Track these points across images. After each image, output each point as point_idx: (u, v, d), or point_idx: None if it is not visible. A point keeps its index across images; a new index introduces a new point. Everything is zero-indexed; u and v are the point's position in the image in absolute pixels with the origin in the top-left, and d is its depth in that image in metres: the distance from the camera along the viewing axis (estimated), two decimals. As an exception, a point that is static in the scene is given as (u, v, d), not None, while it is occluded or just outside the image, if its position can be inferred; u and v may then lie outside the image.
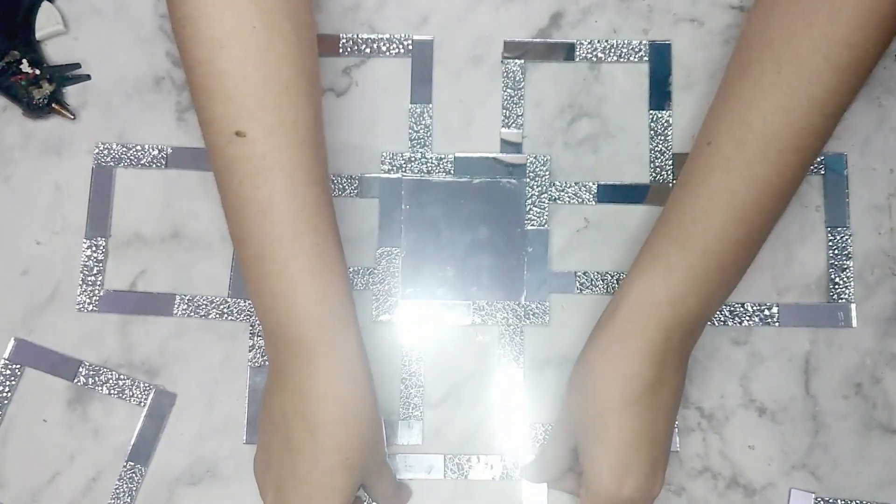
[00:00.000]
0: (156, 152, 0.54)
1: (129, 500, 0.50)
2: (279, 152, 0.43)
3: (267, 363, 0.52)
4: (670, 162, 0.54)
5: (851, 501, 0.50)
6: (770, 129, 0.43)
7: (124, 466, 0.51)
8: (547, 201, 0.53)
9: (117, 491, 0.51)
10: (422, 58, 0.55)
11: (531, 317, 0.52)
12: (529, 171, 0.54)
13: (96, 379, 0.52)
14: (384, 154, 0.54)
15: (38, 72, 0.54)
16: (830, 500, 0.50)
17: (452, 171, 0.54)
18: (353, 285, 0.53)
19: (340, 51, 0.55)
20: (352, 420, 0.43)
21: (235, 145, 0.43)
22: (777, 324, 0.52)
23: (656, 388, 0.44)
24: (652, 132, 0.54)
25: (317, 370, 0.43)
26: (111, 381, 0.52)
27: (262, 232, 0.43)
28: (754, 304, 0.52)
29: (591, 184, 0.54)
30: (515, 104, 0.55)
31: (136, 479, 0.51)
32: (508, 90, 0.55)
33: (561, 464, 0.48)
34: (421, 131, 0.54)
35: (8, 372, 0.52)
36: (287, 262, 0.43)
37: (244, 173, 0.43)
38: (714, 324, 0.52)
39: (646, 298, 0.44)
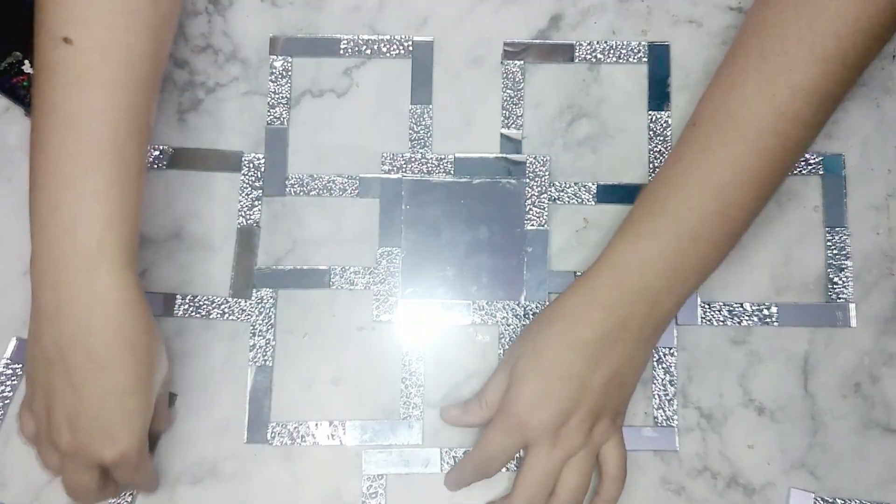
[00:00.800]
0: (157, 153, 0.54)
1: (129, 501, 0.50)
2: (102, 69, 0.42)
3: (268, 363, 0.52)
4: (669, 162, 0.54)
5: (851, 500, 0.51)
6: (749, 112, 0.44)
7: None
8: (547, 201, 0.54)
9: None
10: (422, 59, 0.55)
11: (531, 317, 0.52)
12: (529, 172, 0.54)
13: (97, 379, 0.52)
14: (384, 154, 0.54)
15: (39, 73, 0.54)
16: (830, 500, 0.51)
17: (452, 172, 0.54)
18: (353, 285, 0.53)
19: (341, 52, 0.56)
20: (136, 341, 0.42)
21: (61, 50, 0.42)
22: (776, 323, 0.52)
23: (607, 343, 0.44)
24: (651, 133, 0.55)
25: (96, 293, 0.41)
26: (112, 381, 0.52)
27: (65, 141, 0.42)
28: (753, 304, 0.53)
29: (590, 184, 0.54)
30: (515, 105, 0.55)
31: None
32: (508, 91, 0.55)
33: (490, 409, 0.48)
34: (421, 132, 0.55)
35: (9, 372, 0.52)
36: (82, 176, 0.41)
37: (62, 80, 0.42)
38: (713, 324, 0.52)
39: (617, 261, 0.45)
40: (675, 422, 0.51)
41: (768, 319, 0.52)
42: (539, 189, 0.54)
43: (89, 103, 0.42)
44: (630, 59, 0.55)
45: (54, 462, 0.44)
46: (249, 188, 0.54)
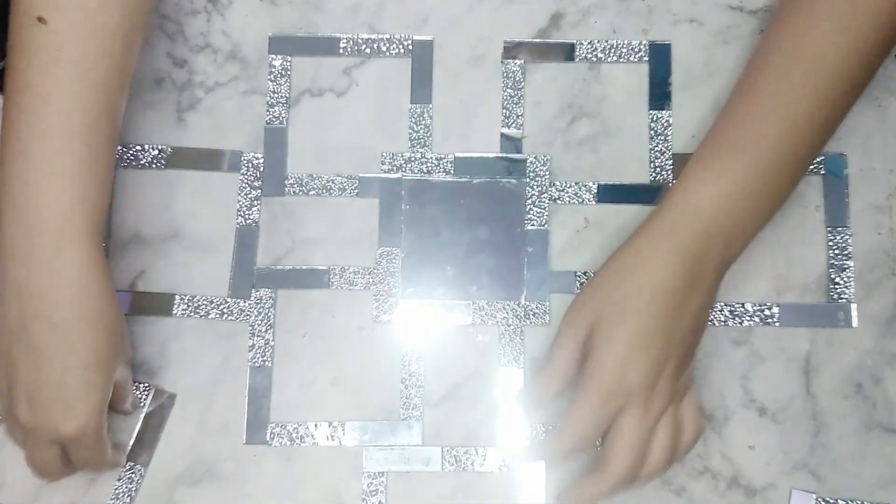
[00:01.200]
0: (156, 152, 0.54)
1: (128, 501, 0.50)
2: (75, 49, 0.42)
3: (267, 363, 0.52)
4: (670, 162, 0.54)
5: (852, 501, 0.50)
6: (819, 49, 0.45)
7: (124, 466, 0.51)
8: (547, 201, 0.53)
9: (117, 491, 0.51)
10: (422, 58, 0.55)
11: (531, 317, 0.52)
12: (529, 171, 0.54)
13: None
14: (384, 154, 0.54)
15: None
16: (831, 500, 0.50)
17: (452, 171, 0.54)
18: (352, 285, 0.53)
19: (340, 51, 0.55)
20: (98, 317, 0.43)
21: (34, 29, 0.43)
22: (777, 324, 0.52)
23: (684, 293, 0.43)
24: (652, 132, 0.54)
25: (61, 268, 0.42)
26: (111, 382, 0.52)
27: (35, 119, 0.42)
28: (754, 304, 0.52)
29: (591, 184, 0.54)
30: (515, 104, 0.55)
31: (135, 479, 0.51)
32: (508, 90, 0.55)
33: (568, 372, 0.46)
34: (421, 131, 0.54)
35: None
36: (53, 154, 0.42)
37: (35, 59, 0.43)
38: (714, 324, 0.52)
39: (688, 204, 0.44)
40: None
41: (769, 320, 0.52)
42: (539, 189, 0.54)
43: (61, 83, 0.43)
44: (631, 59, 0.55)
45: (18, 438, 0.45)
46: (248, 188, 0.54)
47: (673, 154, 0.54)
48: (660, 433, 0.44)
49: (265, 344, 0.52)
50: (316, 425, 0.51)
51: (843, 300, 0.52)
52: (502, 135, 0.55)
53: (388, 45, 0.55)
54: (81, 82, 0.43)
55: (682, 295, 0.44)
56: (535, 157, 0.54)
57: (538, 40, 0.55)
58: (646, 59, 0.55)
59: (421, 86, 0.55)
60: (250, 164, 0.54)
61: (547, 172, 0.54)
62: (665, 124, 0.54)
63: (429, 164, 0.54)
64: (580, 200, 0.54)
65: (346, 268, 0.53)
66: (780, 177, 0.45)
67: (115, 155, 0.46)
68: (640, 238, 0.45)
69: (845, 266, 0.53)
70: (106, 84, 0.44)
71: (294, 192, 0.54)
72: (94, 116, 0.44)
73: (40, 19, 0.42)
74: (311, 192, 0.54)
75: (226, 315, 0.52)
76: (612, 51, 0.55)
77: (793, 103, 0.45)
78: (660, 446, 0.44)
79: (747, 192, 0.44)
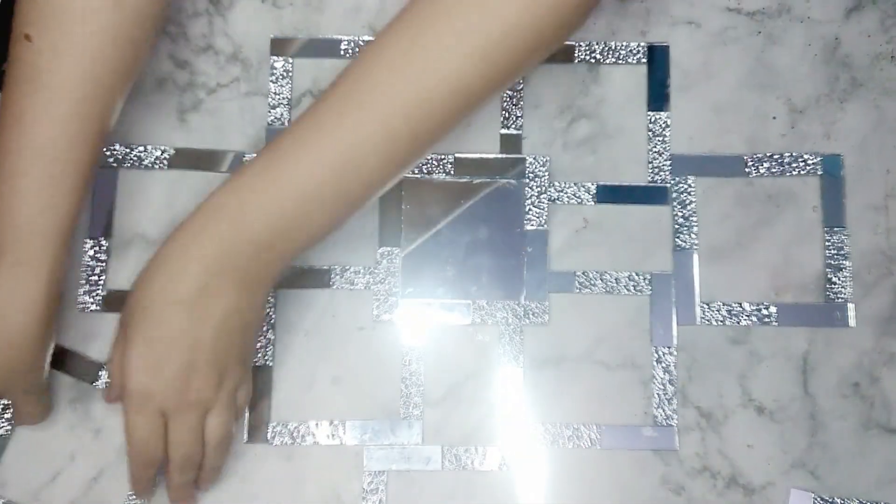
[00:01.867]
0: (158, 153, 0.54)
1: (129, 501, 0.51)
2: (54, 72, 0.42)
3: (268, 362, 0.52)
4: (668, 163, 0.54)
5: (850, 500, 0.51)
6: (389, 87, 0.42)
7: (125, 466, 0.51)
8: (546, 202, 0.54)
9: (118, 491, 0.51)
10: (422, 60, 0.56)
11: (531, 316, 0.53)
12: (529, 172, 0.54)
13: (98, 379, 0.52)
14: (384, 155, 0.54)
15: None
16: (829, 499, 0.51)
17: (452, 172, 0.54)
18: (353, 285, 0.53)
19: (342, 53, 0.56)
20: (3, 339, 0.44)
21: (22, 46, 0.43)
22: (775, 323, 0.52)
23: (206, 297, 0.43)
24: (650, 133, 0.55)
25: None
26: (113, 381, 0.52)
27: (9, 136, 0.43)
28: (752, 304, 0.53)
29: (589, 184, 0.54)
30: (514, 105, 0.55)
31: None
32: (507, 91, 0.55)
33: (117, 388, 0.46)
34: (421, 132, 0.55)
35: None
36: (14, 175, 0.43)
37: (18, 76, 0.43)
38: (712, 323, 0.52)
39: (214, 211, 0.43)
40: (675, 421, 0.51)
41: (767, 319, 0.52)
42: (539, 189, 0.54)
43: (35, 105, 0.43)
44: (629, 60, 0.56)
45: None
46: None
47: (671, 155, 0.54)
48: (206, 430, 0.45)
49: (266, 343, 0.52)
50: (317, 424, 0.51)
51: (841, 300, 0.53)
52: (502, 135, 0.55)
53: (388, 47, 0.56)
54: (55, 109, 0.43)
55: (204, 301, 0.43)
56: (535, 158, 0.54)
57: (537, 42, 0.56)
58: (644, 60, 0.56)
59: (421, 87, 0.55)
60: (251, 165, 0.54)
61: (546, 173, 0.54)
62: (663, 125, 0.55)
63: (429, 164, 0.54)
64: (579, 201, 0.54)
65: (347, 267, 0.53)
66: (316, 204, 0.43)
67: (88, 178, 0.45)
68: (169, 242, 0.44)
69: (842, 266, 0.53)
70: (81, 112, 0.44)
71: (295, 192, 0.54)
72: (66, 143, 0.44)
73: (27, 37, 0.42)
74: (312, 193, 0.54)
75: (227, 315, 0.53)
76: (611, 52, 0.56)
77: (338, 139, 0.42)
78: (209, 442, 0.46)
79: (274, 212, 0.43)
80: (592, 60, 0.56)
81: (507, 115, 0.55)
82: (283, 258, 0.45)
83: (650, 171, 0.54)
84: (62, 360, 0.52)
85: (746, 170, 0.54)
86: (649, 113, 0.55)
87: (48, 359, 0.48)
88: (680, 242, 0.53)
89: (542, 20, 0.43)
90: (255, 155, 0.54)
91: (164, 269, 0.44)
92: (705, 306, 0.53)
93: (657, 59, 0.56)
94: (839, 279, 0.53)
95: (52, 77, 0.43)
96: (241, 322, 0.45)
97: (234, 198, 0.43)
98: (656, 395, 0.52)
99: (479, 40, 0.42)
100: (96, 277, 0.53)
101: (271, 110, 0.55)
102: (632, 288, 0.53)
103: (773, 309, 0.53)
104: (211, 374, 0.44)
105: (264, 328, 0.52)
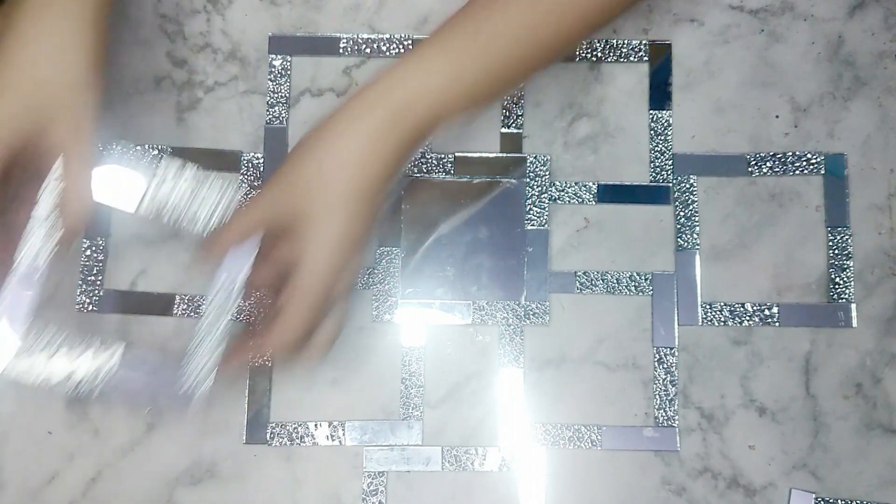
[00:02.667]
0: (156, 152, 0.54)
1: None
2: None
3: (267, 362, 0.52)
4: (670, 162, 0.54)
5: (852, 501, 0.50)
6: None
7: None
8: (547, 201, 0.53)
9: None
10: (422, 58, 0.55)
11: (531, 317, 0.52)
12: (529, 171, 0.54)
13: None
14: (384, 154, 0.54)
15: (38, 72, 0.54)
16: (831, 500, 0.50)
17: (452, 171, 0.54)
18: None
19: (340, 51, 0.55)
20: (44, 60, 0.43)
21: None
22: (777, 324, 0.52)
23: (383, 180, 0.44)
24: (652, 132, 0.54)
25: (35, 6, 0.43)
26: (111, 381, 0.52)
27: None
28: (754, 304, 0.52)
29: (590, 184, 0.54)
30: (515, 104, 0.55)
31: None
32: (508, 90, 0.55)
33: (245, 233, 0.46)
34: (421, 131, 0.54)
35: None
36: None
37: None
38: (714, 324, 0.52)
39: (381, 84, 0.45)
40: (676, 422, 0.51)
41: (769, 320, 0.52)
42: (539, 189, 0.53)
43: None
44: (631, 58, 0.55)
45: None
46: (248, 188, 0.54)
47: (673, 154, 0.54)
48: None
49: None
50: (316, 425, 0.51)
51: (843, 300, 0.52)
52: (502, 134, 0.55)
53: (387, 45, 0.55)
54: None
55: (381, 186, 0.44)
56: (535, 157, 0.54)
57: (538, 40, 0.55)
58: (646, 58, 0.55)
59: (421, 85, 0.55)
60: (250, 164, 0.54)
61: (547, 172, 0.54)
62: (665, 124, 0.54)
63: (429, 164, 0.54)
64: (580, 200, 0.54)
65: (346, 268, 0.53)
66: (472, 60, 0.45)
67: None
68: (336, 117, 0.45)
69: (845, 266, 0.53)
70: None
71: (294, 191, 0.54)
72: None
73: None
74: (311, 192, 0.54)
75: (226, 315, 0.52)
76: (613, 50, 0.55)
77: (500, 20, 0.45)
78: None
79: (430, 66, 0.45)
80: (594, 59, 0.55)
81: (507, 113, 0.55)
82: (433, 126, 0.45)
83: (652, 170, 0.54)
84: None
85: (749, 169, 0.54)
86: (651, 112, 0.55)
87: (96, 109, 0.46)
88: (682, 242, 0.53)
89: None
90: (255, 154, 0.54)
91: (345, 156, 0.44)
92: (707, 306, 0.52)
93: (659, 57, 0.55)
94: (842, 279, 0.53)
95: None
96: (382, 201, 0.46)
97: (394, 70, 0.45)
98: (657, 396, 0.51)
99: None
100: (94, 277, 0.53)
101: (269, 109, 0.55)
102: (633, 288, 0.53)
103: (775, 309, 0.52)
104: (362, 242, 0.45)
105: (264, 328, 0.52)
